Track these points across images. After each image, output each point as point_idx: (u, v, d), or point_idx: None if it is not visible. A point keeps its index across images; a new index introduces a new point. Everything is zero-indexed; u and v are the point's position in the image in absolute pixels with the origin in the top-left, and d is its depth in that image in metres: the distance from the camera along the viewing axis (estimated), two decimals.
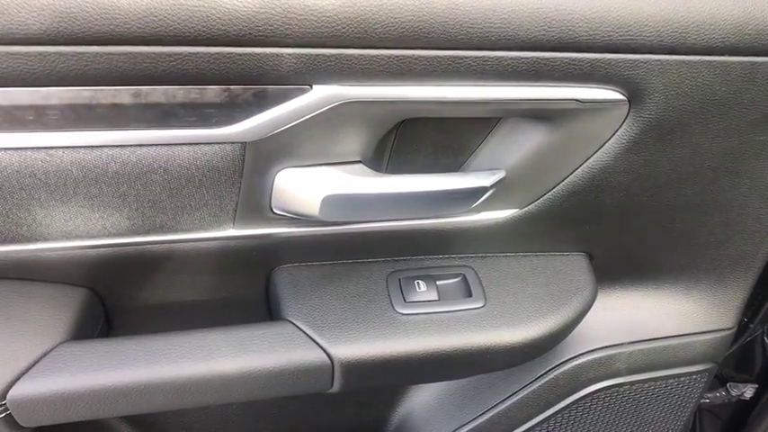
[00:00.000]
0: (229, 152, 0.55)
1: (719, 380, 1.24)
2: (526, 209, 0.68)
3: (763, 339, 1.11)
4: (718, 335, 0.81)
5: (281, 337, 0.63)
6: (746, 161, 0.67)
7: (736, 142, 0.64)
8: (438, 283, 0.69)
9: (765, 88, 0.60)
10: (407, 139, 0.62)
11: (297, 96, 0.52)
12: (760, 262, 0.77)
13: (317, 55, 0.50)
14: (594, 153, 0.63)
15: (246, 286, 0.69)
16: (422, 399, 0.87)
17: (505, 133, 0.63)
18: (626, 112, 0.60)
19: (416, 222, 0.67)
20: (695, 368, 0.83)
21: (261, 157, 0.56)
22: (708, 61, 0.58)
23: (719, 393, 1.22)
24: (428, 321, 0.66)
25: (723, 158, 0.66)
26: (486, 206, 0.66)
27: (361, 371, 0.64)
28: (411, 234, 0.67)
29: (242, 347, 0.61)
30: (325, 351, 0.62)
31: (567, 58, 0.55)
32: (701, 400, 1.23)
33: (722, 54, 0.57)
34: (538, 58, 0.55)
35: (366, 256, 0.70)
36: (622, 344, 0.79)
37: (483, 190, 0.61)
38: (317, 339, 0.63)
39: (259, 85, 0.51)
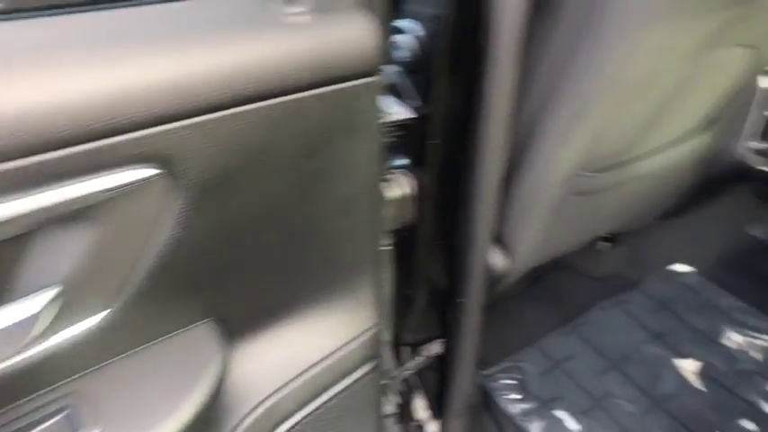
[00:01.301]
0: None
1: (413, 348, 1.36)
2: (118, 305, 0.61)
3: (438, 297, 1.24)
4: (368, 335, 0.86)
5: None
6: (313, 189, 0.69)
7: (294, 176, 0.66)
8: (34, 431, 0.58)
9: (290, 125, 0.62)
10: None
11: None
12: (371, 261, 0.83)
13: None
14: (156, 229, 0.59)
15: None
16: None
17: (46, 245, 0.55)
18: (170, 182, 0.56)
19: None
20: (361, 371, 0.87)
21: None
22: (228, 115, 0.57)
23: (417, 360, 1.35)
24: None
25: (290, 194, 0.67)
26: (67, 321, 0.58)
27: None
28: None
29: None
30: None
31: (70, 155, 0.49)
32: (407, 372, 1.34)
33: (235, 106, 0.57)
34: (40, 161, 0.48)
35: None
36: (286, 384, 0.79)
37: (33, 318, 0.53)
38: None
39: None
